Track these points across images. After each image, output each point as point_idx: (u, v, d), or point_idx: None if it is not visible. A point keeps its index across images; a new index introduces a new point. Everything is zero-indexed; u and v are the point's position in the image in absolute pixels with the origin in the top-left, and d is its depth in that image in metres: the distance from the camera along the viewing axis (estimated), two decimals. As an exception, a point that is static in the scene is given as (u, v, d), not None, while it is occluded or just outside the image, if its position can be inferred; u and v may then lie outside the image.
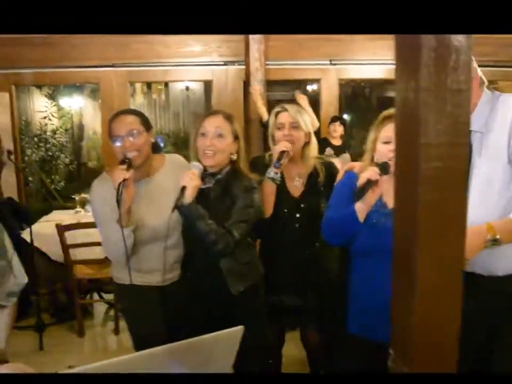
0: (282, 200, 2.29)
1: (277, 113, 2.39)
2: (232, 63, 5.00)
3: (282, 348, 2.55)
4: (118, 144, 2.08)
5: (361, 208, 1.87)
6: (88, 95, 8.79)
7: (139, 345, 2.20)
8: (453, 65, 0.72)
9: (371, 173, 1.82)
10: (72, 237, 3.81)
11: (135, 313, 2.23)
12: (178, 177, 2.17)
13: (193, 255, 2.18)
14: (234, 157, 2.15)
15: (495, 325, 1.75)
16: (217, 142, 2.09)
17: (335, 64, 5.12)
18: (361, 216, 1.88)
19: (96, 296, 4.51)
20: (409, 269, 0.79)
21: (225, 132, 2.11)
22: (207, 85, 9.18)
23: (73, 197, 4.76)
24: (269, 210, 2.26)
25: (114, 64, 4.67)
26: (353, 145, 5.85)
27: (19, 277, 1.70)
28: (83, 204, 4.44)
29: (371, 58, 5.10)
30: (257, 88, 4.68)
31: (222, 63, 5.00)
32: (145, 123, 2.15)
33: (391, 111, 1.99)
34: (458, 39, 0.71)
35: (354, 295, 2.02)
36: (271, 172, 2.24)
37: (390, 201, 1.96)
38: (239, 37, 4.86)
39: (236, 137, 2.15)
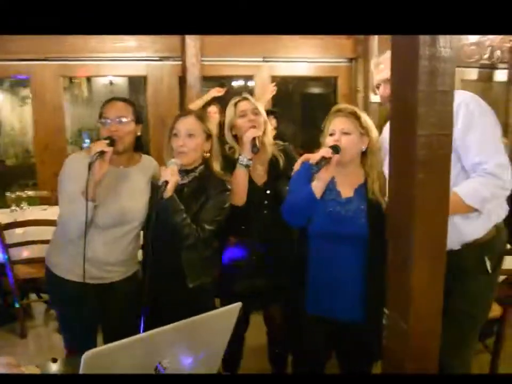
0: (249, 190, 2.38)
1: (237, 103, 2.48)
2: (167, 58, 5.03)
3: (245, 332, 2.68)
4: (105, 125, 2.14)
5: (317, 185, 2.06)
6: (7, 90, 8.36)
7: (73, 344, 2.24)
8: (441, 71, 0.90)
9: (324, 151, 2.04)
10: (8, 236, 3.69)
11: (72, 310, 2.23)
12: (149, 176, 2.29)
13: (154, 249, 2.25)
14: (208, 155, 2.24)
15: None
16: (189, 141, 2.18)
17: (267, 61, 5.31)
18: (318, 193, 2.06)
19: (33, 296, 4.39)
20: (406, 239, 0.97)
21: (196, 131, 2.20)
22: (132, 79, 9.05)
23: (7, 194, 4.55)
24: (243, 198, 2.35)
25: (47, 57, 4.54)
26: (285, 137, 6.07)
27: None
28: (18, 202, 4.30)
29: (301, 56, 5.36)
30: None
31: (157, 58, 5.01)
32: (136, 114, 2.21)
33: (338, 106, 2.20)
34: (446, 51, 0.89)
35: (312, 277, 2.17)
36: (244, 159, 2.33)
37: (344, 191, 2.16)
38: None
39: (209, 136, 2.25)
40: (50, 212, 3.97)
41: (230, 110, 2.50)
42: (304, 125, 9.44)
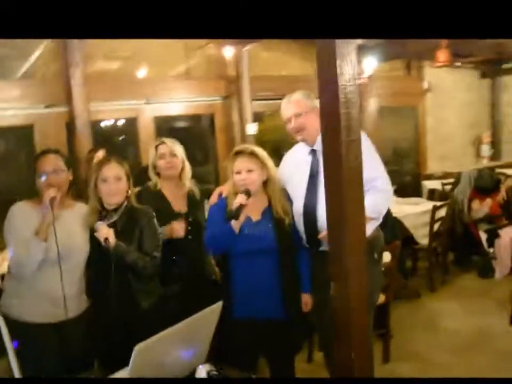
0: (173, 219, 2.83)
1: (157, 146, 2.91)
2: (53, 106, 5.16)
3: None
4: (43, 179, 2.43)
5: (236, 225, 2.52)
6: None
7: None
8: (353, 127, 1.50)
9: (240, 199, 2.48)
10: None
11: (33, 354, 2.37)
12: (82, 218, 2.58)
13: (102, 281, 2.49)
14: (129, 192, 2.60)
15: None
16: (118, 185, 2.54)
17: (149, 104, 5.72)
18: (236, 230, 2.53)
19: None
20: (340, 219, 1.54)
21: (121, 175, 2.56)
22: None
23: None
24: None
25: None
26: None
27: None
28: None
29: (180, 97, 5.88)
30: None
31: (43, 106, 5.13)
32: (67, 162, 2.53)
33: (238, 148, 2.68)
34: (354, 113, 1.49)
35: (238, 286, 2.62)
36: None
37: (253, 215, 2.64)
38: (59, 81, 5.09)
39: (128, 177, 2.61)
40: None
41: (151, 152, 2.94)
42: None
